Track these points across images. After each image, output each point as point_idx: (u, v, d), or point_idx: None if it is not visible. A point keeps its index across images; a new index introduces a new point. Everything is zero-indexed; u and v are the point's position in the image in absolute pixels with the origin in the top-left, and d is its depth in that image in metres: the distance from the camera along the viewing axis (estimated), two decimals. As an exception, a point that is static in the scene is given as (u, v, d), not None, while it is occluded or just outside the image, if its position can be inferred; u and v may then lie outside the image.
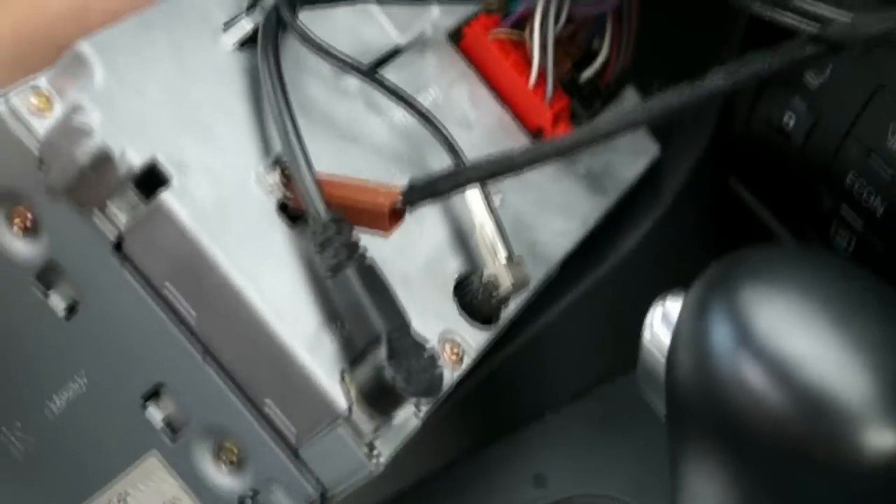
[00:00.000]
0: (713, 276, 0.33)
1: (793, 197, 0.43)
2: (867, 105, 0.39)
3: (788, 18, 0.34)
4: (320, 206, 0.32)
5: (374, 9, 0.40)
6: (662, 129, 0.48)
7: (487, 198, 0.37)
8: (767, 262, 0.32)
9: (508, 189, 0.40)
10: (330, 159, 0.35)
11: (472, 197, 0.37)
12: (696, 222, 0.49)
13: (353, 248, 0.31)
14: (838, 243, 0.41)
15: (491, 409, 0.47)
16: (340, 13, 0.38)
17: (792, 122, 0.42)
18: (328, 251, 0.31)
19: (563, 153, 0.33)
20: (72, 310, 0.33)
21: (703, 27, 0.47)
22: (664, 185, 0.48)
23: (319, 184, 0.32)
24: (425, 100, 0.40)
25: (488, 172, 0.33)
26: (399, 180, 0.36)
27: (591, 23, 0.44)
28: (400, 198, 0.32)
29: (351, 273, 0.31)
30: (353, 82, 0.37)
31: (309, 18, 0.37)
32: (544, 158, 0.33)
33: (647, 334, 0.34)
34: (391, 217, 0.32)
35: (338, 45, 0.39)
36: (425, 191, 0.33)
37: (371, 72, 0.37)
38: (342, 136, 0.36)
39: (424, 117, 0.37)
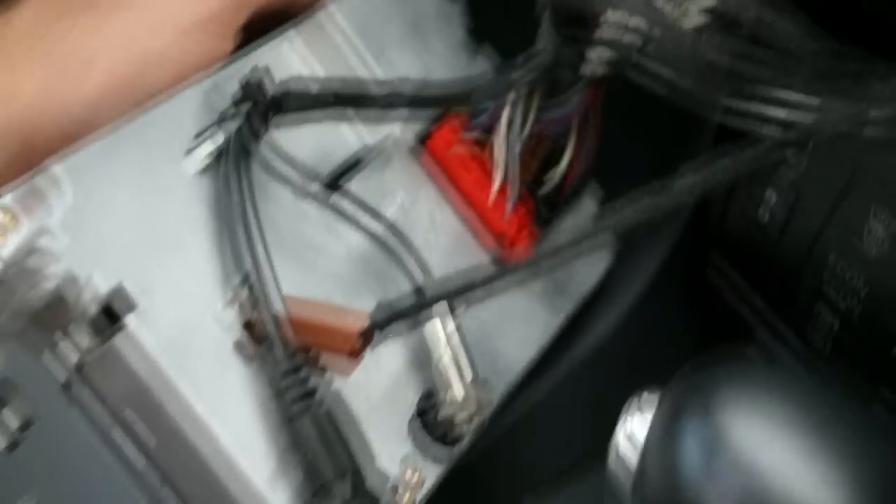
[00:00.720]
0: (680, 403, 0.32)
1: (770, 291, 0.44)
2: (847, 186, 0.39)
3: (750, 125, 0.34)
4: (279, 351, 0.31)
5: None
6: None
7: (450, 315, 0.37)
8: (740, 380, 0.32)
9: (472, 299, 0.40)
10: (291, 283, 0.35)
11: (439, 311, 0.36)
12: (673, 308, 0.49)
13: (311, 395, 0.31)
14: (815, 341, 0.41)
15: (467, 498, 0.47)
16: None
17: (767, 216, 0.42)
18: (287, 397, 0.31)
19: (526, 276, 0.34)
20: (25, 428, 0.32)
21: (671, 118, 0.48)
22: (640, 269, 0.47)
23: (284, 318, 0.32)
24: (391, 205, 0.39)
25: (455, 290, 0.33)
26: (361, 303, 0.36)
27: (554, 127, 0.45)
28: (368, 320, 0.32)
29: (307, 424, 0.31)
30: (313, 206, 0.37)
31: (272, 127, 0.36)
32: (509, 274, 0.33)
33: (612, 455, 0.34)
34: (361, 342, 0.32)
35: (302, 154, 0.39)
36: (394, 311, 0.32)
37: (326, 195, 0.37)
38: (304, 261, 0.36)
39: (395, 230, 0.37)
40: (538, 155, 0.45)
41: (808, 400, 0.32)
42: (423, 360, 0.37)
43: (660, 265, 0.47)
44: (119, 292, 0.30)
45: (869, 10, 0.39)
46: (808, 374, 0.40)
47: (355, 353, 0.32)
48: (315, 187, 0.37)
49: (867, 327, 0.39)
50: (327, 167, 0.39)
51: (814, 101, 0.33)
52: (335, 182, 0.39)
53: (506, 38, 0.44)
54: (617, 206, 0.34)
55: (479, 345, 0.39)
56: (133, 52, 0.37)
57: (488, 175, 0.42)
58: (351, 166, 0.40)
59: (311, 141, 0.39)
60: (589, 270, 0.46)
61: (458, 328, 0.37)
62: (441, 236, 0.41)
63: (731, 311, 0.46)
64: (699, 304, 0.49)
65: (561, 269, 0.44)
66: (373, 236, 0.38)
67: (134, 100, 0.36)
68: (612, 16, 0.38)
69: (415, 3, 0.45)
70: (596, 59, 0.40)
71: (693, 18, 0.35)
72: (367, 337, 0.32)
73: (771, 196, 0.42)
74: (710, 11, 0.35)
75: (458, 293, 0.33)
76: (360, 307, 0.36)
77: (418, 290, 0.33)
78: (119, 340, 0.30)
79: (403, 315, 0.33)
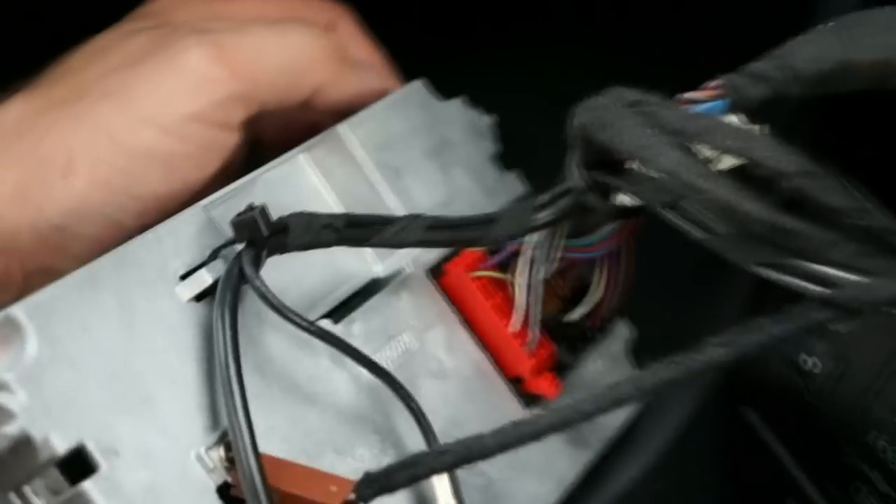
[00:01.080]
0: None
1: (811, 443, 0.40)
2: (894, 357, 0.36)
3: (792, 281, 0.31)
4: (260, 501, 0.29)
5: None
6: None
7: (454, 482, 0.34)
8: None
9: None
10: (287, 426, 0.33)
11: (439, 479, 0.34)
12: (703, 455, 0.46)
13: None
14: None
15: None
16: None
17: (811, 365, 0.39)
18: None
19: (540, 436, 0.31)
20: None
21: (706, 269, 0.45)
22: (669, 414, 0.44)
23: (264, 475, 0.29)
24: (398, 347, 0.37)
25: (453, 462, 0.30)
26: (360, 448, 0.34)
27: (584, 261, 0.42)
28: (352, 494, 0.29)
29: None
30: (317, 336, 0.35)
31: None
32: (518, 443, 0.30)
33: None
34: (341, 514, 0.29)
35: (311, 278, 0.36)
36: (382, 485, 0.30)
37: (329, 334, 0.34)
38: (303, 397, 0.33)
39: (388, 379, 0.35)
40: (562, 293, 0.42)
41: None
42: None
43: (689, 411, 0.44)
44: (78, 454, 0.27)
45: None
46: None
47: (334, 528, 0.29)
48: (314, 322, 0.34)
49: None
50: (342, 290, 0.37)
51: (853, 278, 0.30)
52: (338, 313, 0.37)
53: (535, 166, 0.42)
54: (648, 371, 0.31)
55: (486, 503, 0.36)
56: (116, 150, 0.35)
57: (510, 305, 0.40)
58: (356, 296, 0.38)
59: (324, 262, 0.37)
60: (612, 415, 0.43)
61: (460, 491, 0.34)
62: (455, 374, 0.38)
63: (769, 455, 0.43)
64: (734, 449, 0.45)
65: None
66: (379, 374, 0.35)
67: (119, 204, 0.35)
68: (640, 166, 0.36)
69: (440, 126, 0.43)
70: (621, 203, 0.37)
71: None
72: (349, 510, 0.29)
73: (819, 345, 0.39)
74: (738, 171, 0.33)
75: (461, 461, 0.30)
76: (360, 457, 0.34)
77: (413, 461, 0.30)
78: (84, 492, 0.27)
79: (394, 488, 0.30)
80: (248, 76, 0.37)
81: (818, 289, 0.31)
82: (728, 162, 0.35)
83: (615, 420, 0.43)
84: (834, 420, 0.38)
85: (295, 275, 0.36)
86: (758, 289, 0.43)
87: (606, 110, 0.33)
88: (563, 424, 0.30)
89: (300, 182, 0.38)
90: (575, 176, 0.38)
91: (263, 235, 0.32)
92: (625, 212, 0.38)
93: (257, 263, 0.32)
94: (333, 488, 0.29)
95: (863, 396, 0.37)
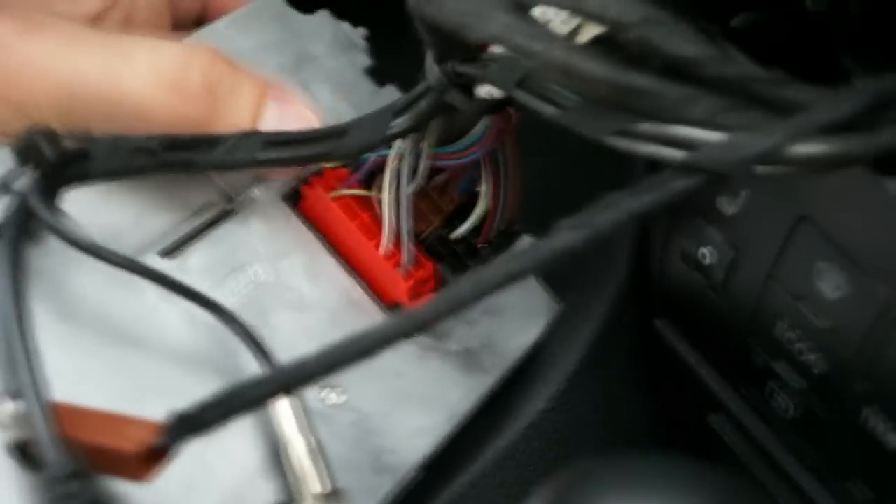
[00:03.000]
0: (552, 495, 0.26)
1: (722, 347, 0.36)
2: (788, 241, 0.32)
3: (647, 147, 0.27)
4: (51, 453, 0.25)
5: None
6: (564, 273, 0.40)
7: (297, 410, 0.30)
8: (614, 483, 0.25)
9: (353, 382, 0.33)
10: (105, 372, 0.29)
11: (280, 410, 0.30)
12: (619, 374, 0.42)
13: (91, 508, 0.25)
14: (777, 404, 0.34)
15: None
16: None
17: (708, 257, 0.35)
18: (57, 516, 0.25)
19: (392, 340, 0.26)
20: None
21: (600, 164, 0.41)
22: (577, 333, 0.40)
23: (57, 422, 0.25)
24: (242, 279, 0.33)
25: (273, 390, 0.26)
26: (198, 391, 0.30)
27: (466, 171, 0.38)
28: (157, 438, 0.25)
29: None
30: (141, 271, 0.31)
31: (115, 185, 0.31)
32: (353, 359, 0.26)
33: None
34: (147, 461, 0.25)
35: (152, 213, 0.33)
36: (193, 424, 0.26)
37: (145, 268, 0.30)
38: (124, 339, 0.30)
39: (221, 313, 0.31)
40: (444, 208, 0.38)
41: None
42: (275, 464, 0.31)
43: (600, 328, 0.40)
44: None
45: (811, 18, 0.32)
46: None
47: (141, 479, 0.26)
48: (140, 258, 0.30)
49: (834, 385, 0.32)
50: (188, 225, 0.33)
51: (716, 137, 0.26)
52: (175, 248, 0.33)
53: (413, 77, 0.38)
54: (486, 267, 0.27)
55: (358, 442, 0.33)
56: None
57: (378, 225, 0.36)
58: (203, 227, 0.34)
59: (162, 195, 0.33)
60: (515, 337, 0.39)
61: (307, 426, 0.31)
62: (319, 305, 0.35)
63: (686, 367, 0.39)
64: (650, 363, 0.41)
65: (477, 335, 0.38)
66: (211, 319, 0.31)
67: None
68: (494, 49, 0.32)
69: (300, 40, 0.39)
70: (486, 96, 0.33)
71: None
72: (156, 456, 0.26)
73: (712, 232, 0.35)
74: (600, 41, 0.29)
75: (284, 390, 0.26)
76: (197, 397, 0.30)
77: (227, 396, 0.26)
78: None
79: (206, 427, 0.26)
80: None
81: (676, 152, 0.27)
82: (591, 32, 0.31)
83: (518, 343, 0.39)
84: (737, 315, 0.34)
85: (133, 212, 0.32)
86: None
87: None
88: (402, 334, 0.26)
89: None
90: (431, 73, 0.34)
91: (51, 161, 0.28)
92: (490, 106, 0.34)
93: (50, 194, 0.29)
94: (132, 431, 0.26)
95: (762, 284, 0.33)
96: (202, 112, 0.32)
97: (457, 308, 0.27)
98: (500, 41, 0.28)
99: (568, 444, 0.38)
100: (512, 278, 0.27)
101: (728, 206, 0.33)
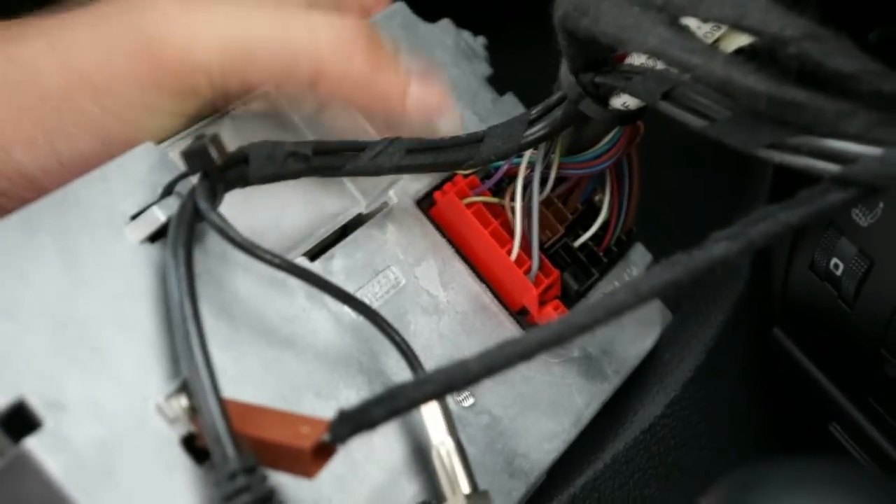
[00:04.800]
0: (723, 499, 0.26)
1: (849, 358, 0.37)
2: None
3: (801, 160, 0.28)
4: (228, 450, 0.26)
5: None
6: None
7: (446, 412, 0.31)
8: (788, 487, 0.26)
9: (483, 387, 0.34)
10: (260, 371, 0.30)
11: (428, 412, 0.31)
12: (735, 383, 0.42)
13: (265, 502, 0.25)
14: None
15: None
16: (296, 180, 0.33)
17: (840, 269, 0.35)
18: (235, 504, 0.25)
19: (531, 355, 0.27)
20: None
21: (723, 167, 0.41)
22: (694, 341, 0.41)
23: (230, 418, 0.26)
24: (384, 283, 0.34)
25: (434, 391, 0.27)
26: (345, 390, 0.31)
27: (588, 180, 0.39)
28: (326, 434, 0.26)
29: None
30: (291, 273, 0.32)
31: (254, 190, 0.31)
32: (507, 364, 0.27)
33: None
34: (316, 457, 0.26)
35: (290, 218, 0.34)
36: (358, 422, 0.27)
37: (299, 269, 0.31)
38: (278, 339, 0.31)
39: (370, 314, 0.32)
40: (566, 217, 0.39)
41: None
42: (419, 464, 0.32)
43: (717, 336, 0.40)
44: (19, 410, 0.25)
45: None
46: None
47: (310, 473, 0.26)
48: (290, 259, 0.31)
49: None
50: (325, 230, 0.34)
51: (873, 151, 0.27)
52: (319, 252, 0.34)
53: (532, 85, 0.39)
54: (645, 274, 0.28)
55: (491, 446, 0.34)
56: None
57: (509, 232, 0.37)
58: (341, 233, 0.35)
59: (303, 201, 0.34)
60: (632, 345, 0.39)
61: (454, 428, 0.31)
62: (451, 309, 0.35)
63: (805, 379, 0.39)
64: (766, 374, 0.42)
65: (597, 343, 0.38)
66: (360, 310, 0.32)
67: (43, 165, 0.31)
68: (636, 59, 0.32)
69: (425, 48, 0.40)
70: (621, 107, 0.34)
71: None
72: (325, 452, 0.26)
73: (844, 245, 0.35)
74: (745, 51, 0.29)
75: (445, 390, 0.27)
76: (345, 400, 0.31)
77: (391, 395, 0.27)
78: (18, 465, 0.25)
79: (372, 425, 0.27)
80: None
81: (831, 166, 0.27)
82: (735, 42, 0.31)
83: (634, 351, 0.39)
84: (869, 326, 0.34)
85: (271, 216, 0.33)
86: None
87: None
88: (554, 341, 0.27)
89: (271, 118, 0.36)
90: (567, 83, 0.35)
91: (217, 165, 0.29)
92: (623, 116, 0.35)
93: (213, 197, 0.29)
94: (306, 429, 0.26)
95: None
96: (364, 73, 0.33)
97: (609, 316, 0.28)
98: (658, 54, 0.29)
99: (683, 449, 0.39)
100: (668, 287, 0.27)
101: (863, 217, 0.34)
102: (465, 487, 0.30)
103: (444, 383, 0.27)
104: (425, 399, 0.27)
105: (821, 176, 0.27)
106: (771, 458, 0.27)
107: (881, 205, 0.33)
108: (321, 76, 0.33)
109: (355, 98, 0.34)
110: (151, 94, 0.32)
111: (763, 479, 0.25)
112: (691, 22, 0.30)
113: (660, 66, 0.32)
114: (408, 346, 0.32)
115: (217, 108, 0.34)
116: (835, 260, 0.35)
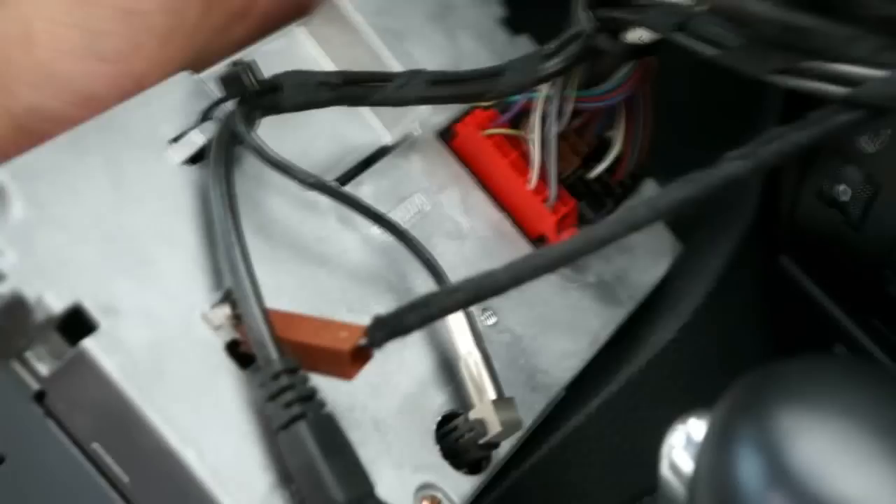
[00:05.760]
0: (740, 397, 0.27)
1: (854, 280, 0.38)
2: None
3: (811, 84, 0.29)
4: (272, 353, 0.28)
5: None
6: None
7: (473, 325, 0.33)
8: (806, 381, 0.26)
9: (504, 308, 0.36)
10: (296, 286, 0.31)
11: (456, 325, 0.33)
12: (743, 310, 0.44)
13: (307, 400, 0.27)
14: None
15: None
16: (323, 111, 0.34)
17: (847, 195, 0.37)
18: (279, 403, 0.27)
19: (555, 266, 0.29)
20: (-1, 461, 0.29)
21: (733, 106, 0.43)
22: (704, 269, 0.42)
23: (272, 324, 0.28)
24: (410, 208, 0.36)
25: (465, 299, 0.29)
26: (375, 306, 0.33)
27: (602, 114, 0.40)
28: (363, 338, 0.28)
29: (304, 430, 0.27)
30: (323, 197, 0.33)
31: (283, 121, 0.33)
32: (533, 275, 0.28)
33: (664, 463, 0.29)
34: (354, 360, 0.28)
35: (317, 148, 0.35)
36: (393, 327, 0.28)
37: (333, 188, 0.33)
38: (311, 258, 0.32)
39: (400, 234, 0.33)
40: (582, 149, 0.40)
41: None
42: (446, 374, 0.33)
43: (726, 264, 0.42)
44: (75, 313, 0.27)
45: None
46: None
47: (348, 375, 0.28)
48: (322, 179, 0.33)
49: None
50: (349, 160, 0.36)
51: (880, 74, 0.28)
52: (347, 179, 0.35)
53: (545, 27, 0.40)
54: (662, 191, 0.30)
55: (513, 361, 0.35)
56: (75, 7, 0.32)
57: (527, 163, 0.38)
58: (374, 156, 0.36)
59: (329, 132, 0.36)
60: (645, 273, 0.41)
61: (482, 340, 0.33)
62: (473, 234, 0.37)
63: (811, 305, 0.41)
64: (774, 301, 0.43)
65: (612, 270, 0.40)
66: (391, 228, 0.34)
67: (88, 72, 0.32)
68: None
69: None
70: (636, 40, 0.35)
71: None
72: (362, 356, 0.28)
73: (851, 171, 0.36)
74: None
75: (474, 298, 0.29)
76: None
77: (424, 301, 0.29)
78: (76, 366, 0.26)
79: (406, 330, 0.28)
80: None
81: (839, 89, 0.29)
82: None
83: (648, 278, 0.41)
84: (874, 246, 0.36)
85: (299, 146, 0.35)
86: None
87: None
88: (577, 253, 0.29)
89: (298, 54, 0.37)
90: (582, 18, 0.36)
91: (253, 91, 0.31)
92: (637, 50, 0.36)
93: (250, 121, 0.31)
94: (344, 334, 0.28)
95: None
96: None
97: (628, 230, 0.29)
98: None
99: (694, 373, 0.40)
100: (684, 203, 0.29)
101: (870, 144, 0.35)
102: (492, 394, 0.32)
103: (474, 292, 0.28)
104: (456, 307, 0.29)
105: (829, 100, 0.29)
106: (783, 361, 0.28)
107: (889, 131, 0.35)
108: None
109: None
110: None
111: (777, 377, 0.27)
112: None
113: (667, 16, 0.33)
114: (436, 262, 0.33)
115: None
116: (842, 186, 0.36)
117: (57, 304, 0.26)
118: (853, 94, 0.28)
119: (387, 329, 0.28)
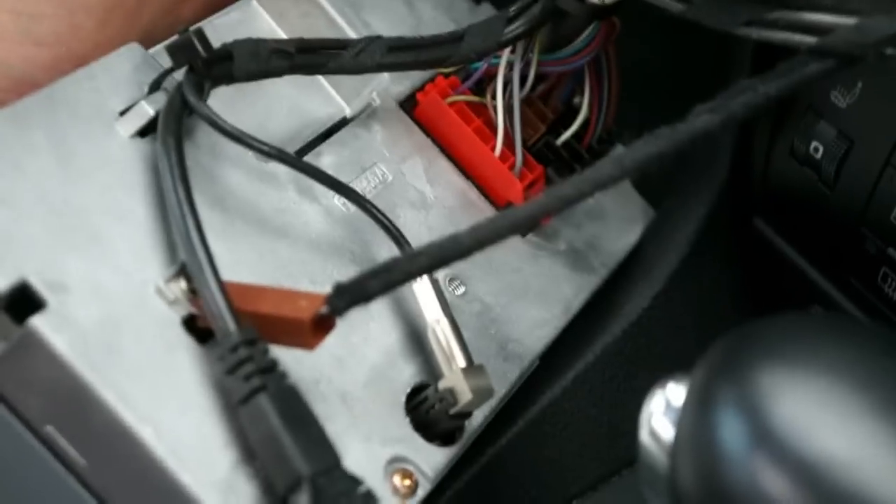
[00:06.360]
0: (719, 358, 0.26)
1: (830, 239, 0.37)
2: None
3: (779, 35, 0.28)
4: (229, 324, 0.27)
5: (319, 77, 0.36)
6: (664, 174, 0.41)
7: (439, 293, 0.32)
8: (785, 339, 0.26)
9: (473, 277, 0.35)
10: (255, 259, 0.31)
11: (422, 293, 0.32)
12: (717, 274, 0.43)
13: (268, 372, 0.26)
14: (889, 293, 0.35)
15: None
16: (280, 83, 0.33)
17: (820, 152, 0.36)
18: (238, 376, 0.26)
19: (520, 227, 0.28)
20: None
21: (702, 67, 0.42)
22: (677, 234, 0.42)
23: (229, 295, 0.27)
24: (372, 179, 0.35)
25: (429, 264, 0.28)
26: (338, 278, 0.31)
27: (568, 79, 0.39)
28: (325, 307, 0.27)
29: (265, 402, 0.26)
30: (282, 168, 0.32)
31: (238, 95, 0.32)
32: (497, 237, 0.27)
33: (644, 431, 0.28)
34: (316, 329, 0.27)
35: (275, 122, 0.34)
36: (355, 294, 0.27)
37: (292, 158, 0.32)
38: (271, 230, 0.31)
39: (362, 202, 0.32)
40: (547, 116, 0.40)
41: (877, 350, 0.25)
42: (415, 345, 0.33)
43: (699, 229, 0.41)
44: (22, 291, 0.25)
45: None
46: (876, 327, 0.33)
47: (310, 345, 0.27)
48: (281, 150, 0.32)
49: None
50: (308, 132, 0.35)
51: (848, 21, 0.27)
52: (306, 151, 0.34)
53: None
54: (629, 148, 0.29)
55: (483, 331, 0.34)
56: None
57: (492, 129, 0.37)
58: (335, 128, 0.35)
59: (288, 104, 0.35)
60: (617, 239, 0.40)
61: (448, 308, 0.32)
62: (438, 203, 0.36)
63: (786, 267, 0.40)
64: (749, 264, 0.43)
65: (583, 237, 0.39)
66: (351, 197, 0.33)
67: (23, 56, 0.31)
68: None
69: None
70: (597, 1, 0.35)
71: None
72: (324, 325, 0.27)
73: (824, 127, 0.36)
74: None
75: (438, 263, 0.28)
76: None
77: (386, 267, 0.28)
78: (25, 346, 0.25)
79: (369, 297, 0.27)
80: None
81: (808, 38, 0.28)
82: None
83: (620, 244, 0.40)
84: (848, 204, 0.35)
85: (256, 119, 0.34)
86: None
87: None
88: (542, 212, 0.28)
89: (253, 27, 0.36)
90: (544, -22, 0.35)
91: (203, 58, 0.30)
92: (600, 10, 0.35)
93: (200, 91, 0.30)
94: (304, 303, 0.27)
95: (878, 173, 0.34)
96: None
97: (595, 188, 0.28)
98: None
99: (670, 340, 0.40)
100: (652, 159, 0.28)
101: (842, 99, 0.34)
102: (462, 362, 0.31)
103: (438, 256, 0.28)
104: (420, 272, 0.28)
105: (799, 50, 0.28)
106: (761, 320, 0.27)
107: (860, 84, 0.34)
108: None
109: None
110: None
111: (756, 336, 0.26)
112: None
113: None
114: (399, 232, 0.32)
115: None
116: (814, 143, 0.36)
117: (2, 282, 0.25)
118: (822, 42, 0.28)
119: (348, 296, 0.27)
